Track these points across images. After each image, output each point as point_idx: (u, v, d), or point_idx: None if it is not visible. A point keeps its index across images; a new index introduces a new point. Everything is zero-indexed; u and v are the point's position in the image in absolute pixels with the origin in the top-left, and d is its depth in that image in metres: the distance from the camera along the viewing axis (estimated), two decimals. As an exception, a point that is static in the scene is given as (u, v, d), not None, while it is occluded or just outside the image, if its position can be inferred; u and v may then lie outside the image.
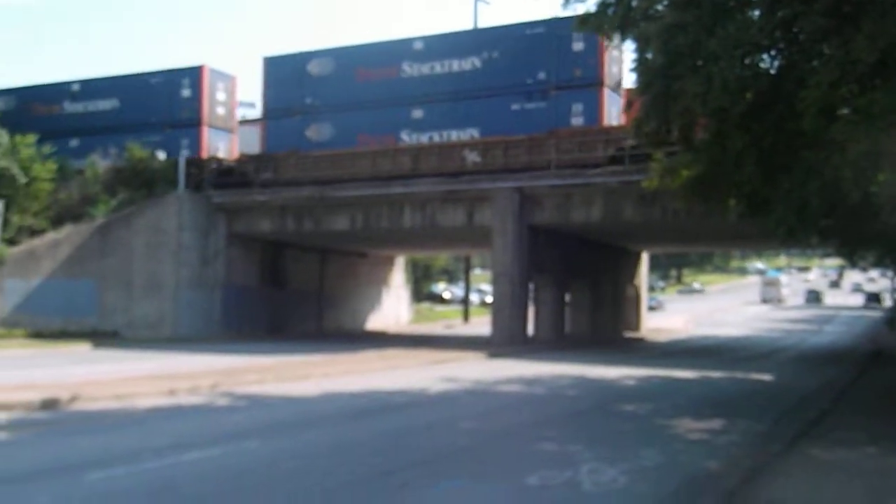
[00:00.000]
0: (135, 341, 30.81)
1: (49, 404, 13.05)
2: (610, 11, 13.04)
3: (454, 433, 11.75)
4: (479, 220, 31.36)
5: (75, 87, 41.90)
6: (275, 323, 37.23)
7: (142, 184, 35.84)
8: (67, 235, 34.17)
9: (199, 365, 20.87)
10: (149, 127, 38.76)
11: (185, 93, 39.00)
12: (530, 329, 32.75)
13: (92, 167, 37.87)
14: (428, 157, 32.28)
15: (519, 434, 11.82)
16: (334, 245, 40.72)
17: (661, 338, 41.11)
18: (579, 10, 13.97)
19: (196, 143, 38.44)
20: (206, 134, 38.77)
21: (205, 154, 37.72)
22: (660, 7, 12.87)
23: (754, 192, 13.49)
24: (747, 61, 11.61)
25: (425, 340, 34.98)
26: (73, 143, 40.20)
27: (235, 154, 39.19)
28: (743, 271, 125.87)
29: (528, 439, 11.25)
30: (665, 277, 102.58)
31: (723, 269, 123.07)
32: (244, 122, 43.40)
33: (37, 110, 41.55)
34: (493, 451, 10.49)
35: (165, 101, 39.05)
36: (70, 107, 41.67)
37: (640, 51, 13.02)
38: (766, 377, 22.58)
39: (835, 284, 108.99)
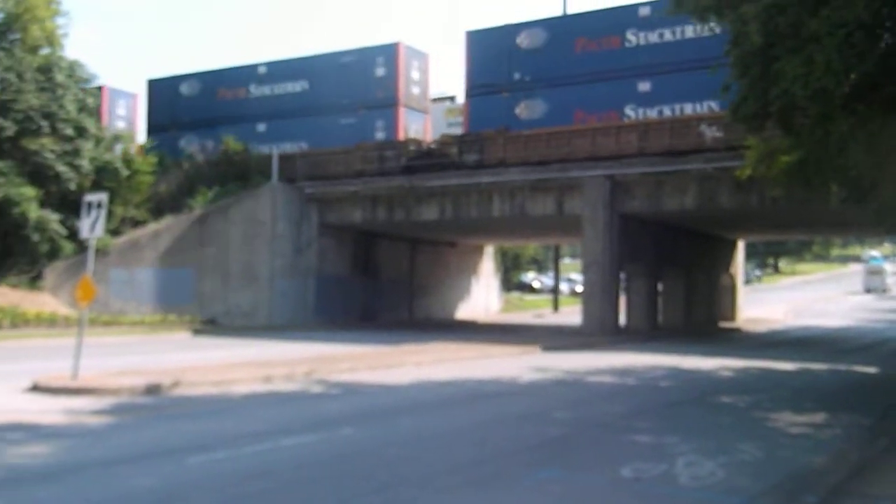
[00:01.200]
0: (231, 329, 31.67)
1: (152, 389, 13.53)
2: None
3: (546, 423, 11.67)
4: (569, 208, 31.03)
5: (262, 70, 41.01)
6: (366, 311, 37.73)
7: (238, 175, 36.73)
8: (167, 226, 35.27)
9: (293, 352, 21.29)
10: (341, 108, 37.94)
11: (380, 72, 37.39)
12: (622, 319, 32.30)
13: (191, 160, 38.98)
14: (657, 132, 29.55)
15: (612, 425, 11.67)
16: (424, 235, 40.94)
17: (759, 328, 40.02)
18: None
19: (391, 125, 37.33)
20: (402, 115, 37.48)
21: (401, 135, 36.97)
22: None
23: (859, 176, 12.97)
24: (852, 41, 11.12)
25: (515, 330, 34.93)
26: (261, 127, 40.31)
27: (429, 135, 38.49)
28: (844, 259, 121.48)
29: (622, 430, 11.10)
30: (762, 266, 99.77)
31: (823, 257, 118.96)
32: (436, 100, 43.05)
33: (222, 95, 42.15)
34: (585, 441, 10.38)
35: (359, 82, 37.71)
36: (256, 90, 41.17)
37: (738, 32, 12.63)
38: (871, 369, 21.74)
39: None
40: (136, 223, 36.37)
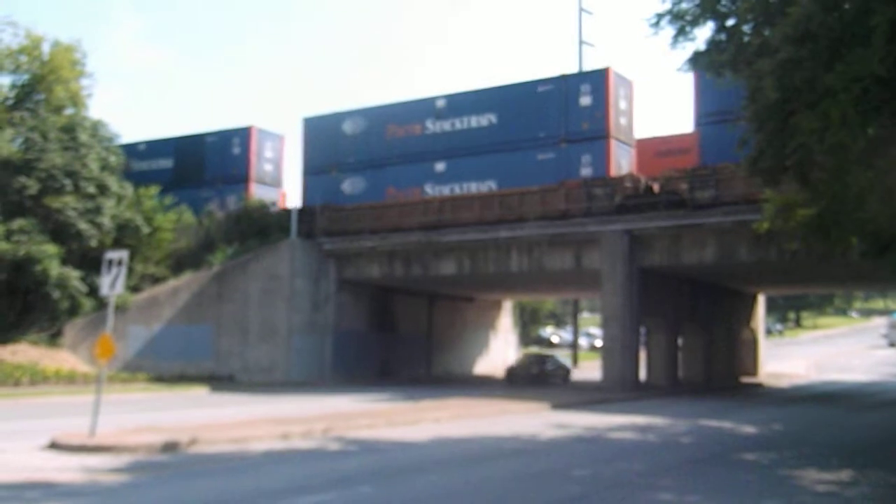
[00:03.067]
0: (249, 385, 31.59)
1: (170, 447, 13.45)
2: (721, 48, 12.79)
3: (566, 481, 11.50)
4: (587, 263, 31.00)
5: (440, 103, 38.06)
6: (384, 367, 37.58)
7: (257, 231, 36.97)
8: (187, 282, 35.45)
9: (311, 409, 21.18)
10: (537, 143, 34.94)
11: (585, 101, 34.46)
12: (642, 374, 31.99)
13: (210, 216, 39.34)
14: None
15: (633, 483, 11.48)
16: (442, 289, 40.93)
17: (782, 383, 39.49)
18: (689, 48, 13.76)
19: (601, 160, 33.70)
20: (613, 148, 34.06)
21: (612, 171, 33.83)
22: (773, 43, 12.55)
23: (879, 230, 12.89)
24: (868, 95, 11.15)
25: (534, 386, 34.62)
26: (439, 166, 37.82)
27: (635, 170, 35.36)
28: (867, 313, 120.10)
29: (643, 488, 10.91)
30: (783, 320, 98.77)
31: (845, 311, 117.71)
32: None
33: (392, 132, 39.52)
34: (606, 500, 10.21)
35: (560, 112, 34.75)
36: (434, 126, 38.11)
37: (754, 88, 12.70)
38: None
39: None
40: (156, 280, 36.59)
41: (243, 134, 42.88)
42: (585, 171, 32.84)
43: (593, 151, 33.33)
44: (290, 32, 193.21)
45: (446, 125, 36.97)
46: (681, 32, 13.04)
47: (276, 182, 43.89)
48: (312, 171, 39.81)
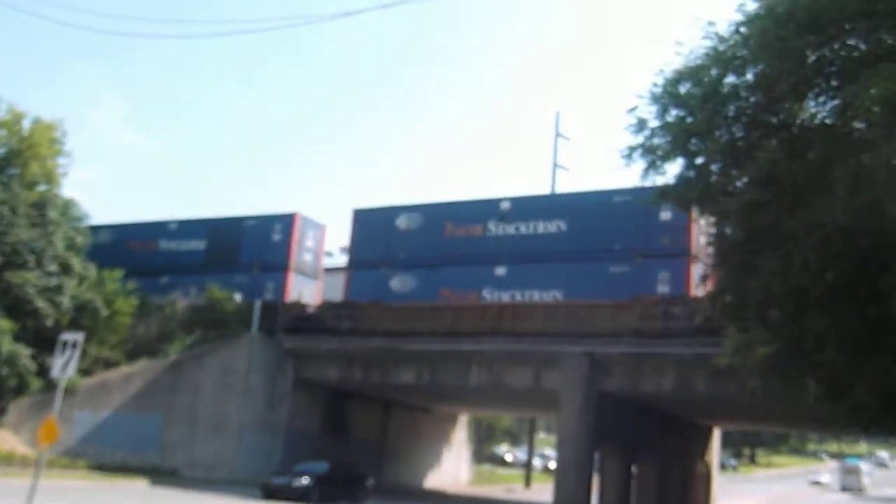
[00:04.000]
0: (192, 481, 30.61)
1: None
2: (688, 186, 13.16)
3: None
4: (547, 383, 30.91)
5: (504, 206, 37.81)
6: (334, 473, 36.64)
7: (217, 324, 36.54)
8: (140, 370, 34.77)
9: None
10: (610, 255, 33.79)
11: (665, 216, 32.85)
12: (594, 500, 31.51)
13: (172, 305, 38.91)
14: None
15: None
16: (399, 398, 40.44)
17: (733, 521, 39.06)
18: (658, 181, 14.14)
19: (679, 277, 32.66)
20: (692, 269, 33.16)
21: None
22: (739, 184, 12.95)
23: (834, 375, 13.03)
24: (828, 242, 11.47)
25: (484, 504, 33.95)
26: (500, 270, 36.65)
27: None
28: (819, 455, 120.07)
29: None
30: (738, 456, 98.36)
31: (799, 451, 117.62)
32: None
33: (451, 231, 39.32)
34: None
35: (636, 226, 33.50)
36: (497, 228, 37.74)
37: (719, 225, 13.04)
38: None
39: None
40: (109, 364, 35.85)
41: (286, 220, 40.84)
42: (663, 289, 31.45)
43: (672, 269, 32.03)
44: (277, 121, 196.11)
45: (510, 228, 35.85)
46: (651, 166, 13.41)
47: (314, 273, 41.91)
48: (360, 265, 38.35)
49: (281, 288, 39.06)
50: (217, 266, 40.94)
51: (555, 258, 33.81)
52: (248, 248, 41.08)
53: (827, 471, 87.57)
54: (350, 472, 31.14)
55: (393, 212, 38.62)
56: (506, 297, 34.12)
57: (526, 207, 35.90)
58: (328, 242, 43.94)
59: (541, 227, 34.85)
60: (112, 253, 41.30)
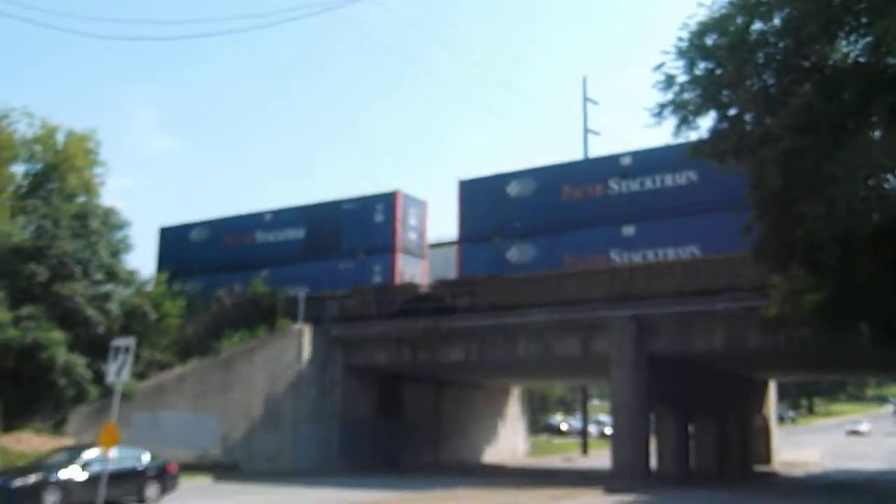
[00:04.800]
0: (254, 474, 31.08)
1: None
2: (724, 137, 12.97)
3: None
4: (596, 348, 30.77)
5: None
6: (392, 455, 36.99)
7: (263, 318, 36.89)
8: (193, 370, 35.24)
9: (316, 500, 20.79)
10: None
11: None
12: (653, 462, 31.41)
13: (218, 302, 39.36)
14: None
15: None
16: (450, 376, 40.58)
17: (796, 472, 38.72)
18: (691, 137, 13.95)
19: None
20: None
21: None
22: (775, 132, 12.71)
23: (889, 316, 12.82)
24: (871, 183, 11.24)
25: (545, 474, 34.05)
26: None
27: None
28: (881, 399, 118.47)
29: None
30: (795, 407, 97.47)
31: (858, 397, 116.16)
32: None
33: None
34: None
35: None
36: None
37: (757, 176, 12.83)
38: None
39: None
40: (163, 366, 36.39)
41: (387, 200, 38.84)
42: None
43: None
44: (290, 118, 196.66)
45: (634, 185, 33.64)
46: (683, 122, 13.26)
47: (420, 252, 39.66)
48: (471, 238, 36.17)
49: (389, 270, 37.43)
50: (318, 254, 39.77)
51: (688, 212, 31.59)
52: (349, 232, 39.41)
53: (866, 419, 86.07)
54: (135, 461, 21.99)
55: (503, 179, 36.52)
56: (637, 258, 32.27)
57: (648, 161, 33.53)
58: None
59: (668, 181, 32.77)
60: (207, 249, 41.79)
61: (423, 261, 39.73)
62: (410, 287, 35.46)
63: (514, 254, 34.73)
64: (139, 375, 34.37)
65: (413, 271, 38.30)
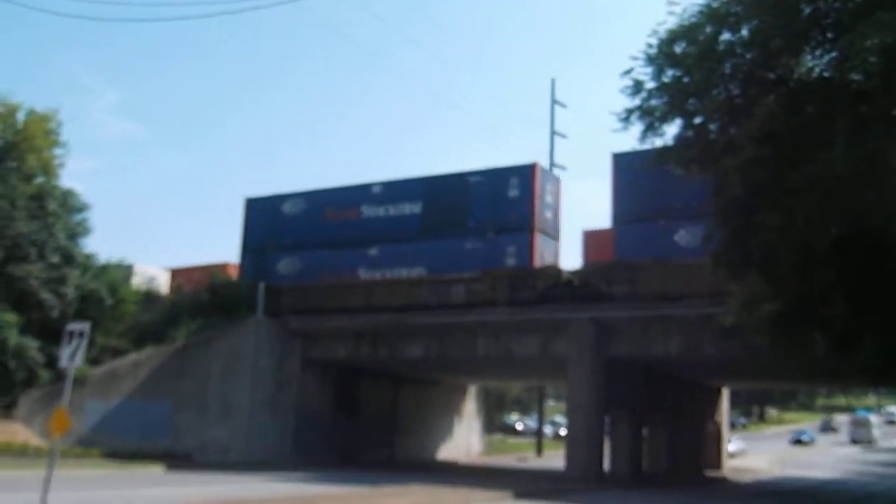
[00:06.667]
0: (206, 464, 30.80)
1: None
2: (688, 146, 13.10)
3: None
4: (554, 350, 30.95)
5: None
6: (346, 450, 36.84)
7: (223, 307, 36.56)
8: (148, 357, 34.85)
9: (268, 492, 20.67)
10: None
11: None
12: (606, 464, 31.68)
13: (177, 290, 38.94)
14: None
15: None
16: (408, 372, 40.57)
17: (745, 478, 39.28)
18: (657, 143, 14.07)
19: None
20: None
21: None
22: (738, 141, 12.87)
23: (841, 328, 13.03)
24: (831, 196, 11.42)
25: (498, 473, 34.16)
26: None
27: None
28: (829, 409, 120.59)
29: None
30: (747, 414, 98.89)
31: (808, 406, 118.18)
32: None
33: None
34: None
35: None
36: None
37: (719, 184, 12.97)
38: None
39: None
40: (117, 353, 35.94)
41: (524, 172, 34.24)
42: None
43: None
44: (260, 112, 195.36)
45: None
46: (650, 128, 13.36)
47: (555, 233, 35.00)
48: (625, 218, 31.93)
49: (525, 252, 33.17)
50: (438, 231, 35.44)
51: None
52: (476, 207, 34.99)
53: (812, 428, 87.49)
54: None
55: (645, 155, 33.91)
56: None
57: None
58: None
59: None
60: (305, 224, 38.50)
61: (556, 242, 35.23)
62: (552, 271, 31.64)
63: (684, 236, 30.67)
64: (93, 361, 33.93)
65: (549, 253, 34.33)
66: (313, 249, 37.83)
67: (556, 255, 34.66)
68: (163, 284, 43.40)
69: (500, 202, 34.30)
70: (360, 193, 38.01)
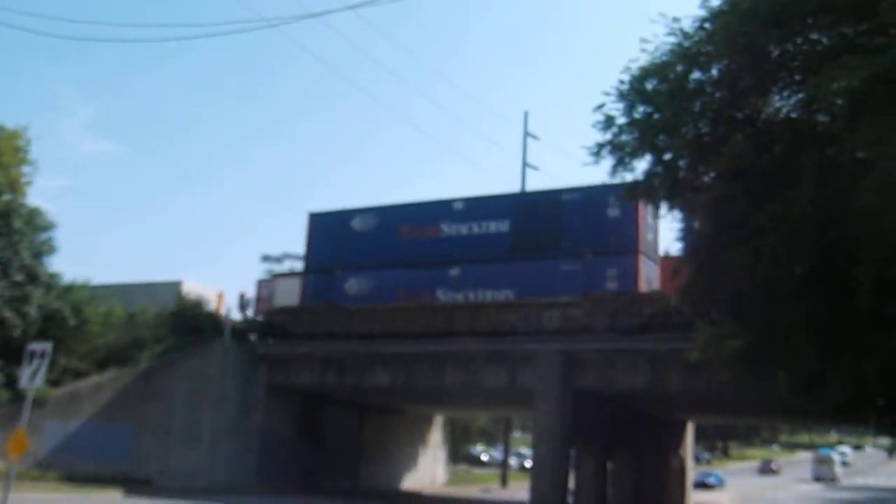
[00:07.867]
0: (167, 490, 30.31)
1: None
2: (657, 182, 13.24)
3: None
4: (522, 381, 30.91)
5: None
6: (310, 477, 36.41)
7: (189, 330, 36.16)
8: (111, 379, 34.35)
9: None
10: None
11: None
12: (570, 498, 31.58)
13: (143, 313, 38.48)
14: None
15: None
16: (374, 401, 40.28)
17: (708, 514, 39.32)
18: (627, 178, 14.20)
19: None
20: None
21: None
22: (706, 179, 13.04)
23: (805, 367, 13.15)
24: (797, 235, 11.57)
25: (461, 504, 33.94)
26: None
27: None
28: (792, 446, 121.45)
29: None
30: (711, 449, 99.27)
31: (771, 443, 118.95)
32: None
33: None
34: None
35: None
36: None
37: (687, 220, 13.11)
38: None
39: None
40: (79, 374, 35.36)
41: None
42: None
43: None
44: (227, 127, 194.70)
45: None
46: (620, 163, 13.49)
47: (655, 256, 32.70)
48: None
49: (629, 275, 31.06)
50: (529, 252, 33.22)
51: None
52: (571, 227, 32.84)
53: (752, 468, 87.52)
54: None
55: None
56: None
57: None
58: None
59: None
60: (377, 241, 36.24)
61: (656, 266, 32.82)
62: (660, 298, 28.41)
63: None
64: (54, 382, 33.40)
65: (651, 277, 32.37)
66: (386, 268, 35.69)
67: (657, 279, 32.53)
68: (211, 303, 41.44)
69: (598, 222, 32.21)
70: (440, 210, 35.82)
